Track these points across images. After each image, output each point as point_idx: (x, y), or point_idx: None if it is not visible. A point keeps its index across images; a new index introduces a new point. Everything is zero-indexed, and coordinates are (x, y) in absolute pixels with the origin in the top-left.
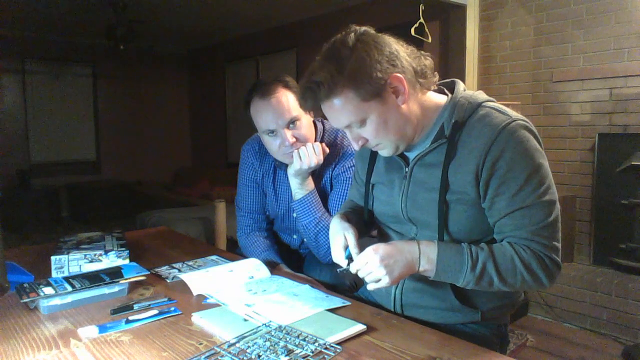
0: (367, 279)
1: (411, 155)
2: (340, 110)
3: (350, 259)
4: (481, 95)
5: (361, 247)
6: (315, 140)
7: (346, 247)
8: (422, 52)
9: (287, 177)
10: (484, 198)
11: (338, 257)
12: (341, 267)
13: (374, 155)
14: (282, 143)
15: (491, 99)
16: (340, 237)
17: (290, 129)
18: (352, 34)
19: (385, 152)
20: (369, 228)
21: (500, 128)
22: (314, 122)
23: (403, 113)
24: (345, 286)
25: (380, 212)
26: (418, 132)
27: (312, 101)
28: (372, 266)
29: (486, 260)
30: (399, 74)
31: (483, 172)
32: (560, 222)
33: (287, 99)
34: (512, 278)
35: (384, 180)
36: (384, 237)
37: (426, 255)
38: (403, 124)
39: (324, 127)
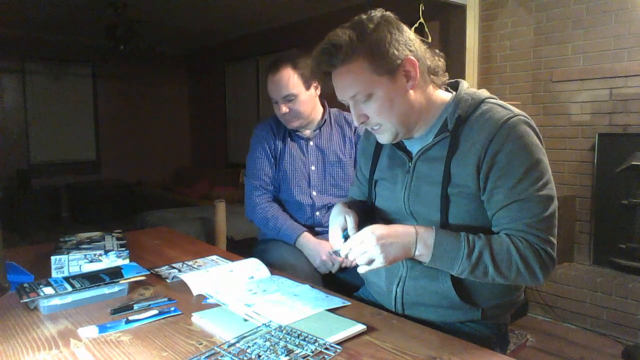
0: (360, 260)
1: (414, 150)
2: (350, 79)
3: (346, 240)
4: (484, 93)
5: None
6: (323, 117)
7: (344, 230)
8: (437, 51)
9: (304, 146)
10: (483, 190)
11: (335, 237)
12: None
13: (377, 151)
14: (280, 112)
15: (494, 96)
16: (340, 218)
17: (286, 101)
18: (379, 13)
19: (384, 136)
20: (369, 222)
21: (502, 122)
22: (322, 102)
23: (409, 99)
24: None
25: (382, 208)
26: (421, 125)
27: (326, 66)
28: (367, 245)
29: (483, 249)
30: (413, 58)
31: (483, 164)
32: (558, 220)
33: (289, 78)
34: (507, 268)
35: (387, 175)
36: None
37: (423, 240)
38: (407, 110)
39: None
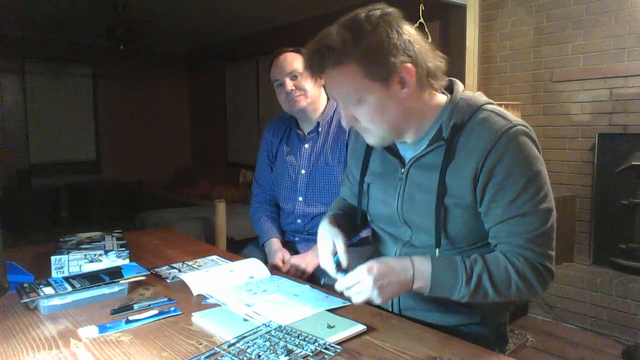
0: (355, 299)
1: (407, 156)
2: (341, 82)
3: (338, 265)
4: (481, 98)
5: (352, 259)
6: (325, 111)
7: (335, 254)
8: (439, 53)
9: (298, 148)
10: (480, 203)
11: (326, 263)
12: (326, 277)
13: (368, 153)
14: (285, 92)
15: (490, 101)
16: (329, 242)
17: (292, 80)
18: (379, 11)
19: (370, 139)
20: (360, 229)
21: (501, 133)
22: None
23: (402, 106)
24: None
25: (376, 212)
26: (414, 130)
27: (317, 66)
28: (364, 286)
29: (481, 273)
30: (411, 66)
31: (481, 177)
32: (558, 220)
33: (292, 59)
34: (506, 289)
35: (379, 180)
36: (377, 241)
37: (420, 272)
38: (399, 117)
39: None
